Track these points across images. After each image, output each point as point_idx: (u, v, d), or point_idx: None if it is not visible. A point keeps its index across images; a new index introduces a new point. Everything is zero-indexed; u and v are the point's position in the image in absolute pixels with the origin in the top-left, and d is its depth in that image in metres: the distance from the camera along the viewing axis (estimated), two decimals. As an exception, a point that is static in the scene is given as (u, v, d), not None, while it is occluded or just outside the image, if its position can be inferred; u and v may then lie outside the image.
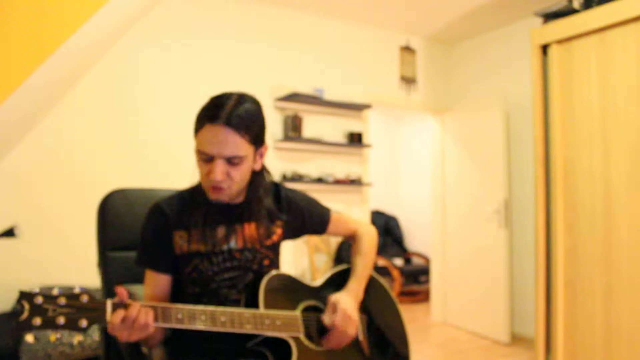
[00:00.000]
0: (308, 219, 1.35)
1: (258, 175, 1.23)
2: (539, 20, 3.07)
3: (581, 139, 2.70)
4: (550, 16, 2.89)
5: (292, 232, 1.33)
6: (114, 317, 0.93)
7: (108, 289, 1.41)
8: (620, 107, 2.52)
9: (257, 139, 1.15)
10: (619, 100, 2.52)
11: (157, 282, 1.17)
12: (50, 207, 2.96)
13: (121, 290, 0.95)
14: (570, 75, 2.76)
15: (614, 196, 2.53)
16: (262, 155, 1.20)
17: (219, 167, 1.09)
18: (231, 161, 1.10)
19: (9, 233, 2.00)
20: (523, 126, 3.86)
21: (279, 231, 1.28)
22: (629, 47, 2.47)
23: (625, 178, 2.49)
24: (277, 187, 1.32)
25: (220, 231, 1.19)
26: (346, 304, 1.20)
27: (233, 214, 1.22)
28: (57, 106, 3.00)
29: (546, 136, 2.89)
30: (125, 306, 0.94)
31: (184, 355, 1.18)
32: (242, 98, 1.13)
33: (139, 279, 1.40)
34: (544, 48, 2.90)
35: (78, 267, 2.90)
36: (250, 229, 1.23)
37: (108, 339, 1.31)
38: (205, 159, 1.10)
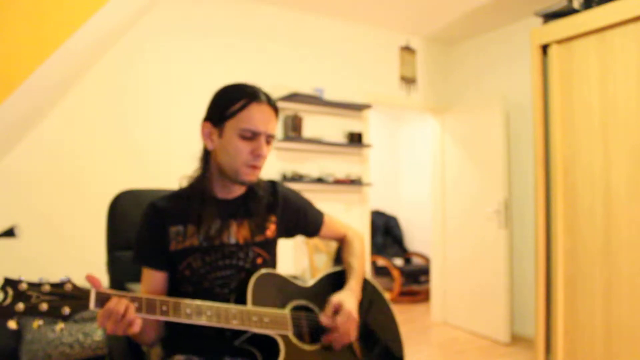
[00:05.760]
0: (302, 219, 1.36)
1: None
2: (539, 20, 3.07)
3: (581, 139, 2.70)
4: (550, 16, 2.89)
5: (285, 231, 1.33)
6: (99, 313, 0.92)
7: (115, 288, 1.42)
8: (620, 107, 2.52)
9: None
10: (619, 100, 2.52)
11: (153, 279, 1.17)
12: (51, 206, 2.95)
13: (93, 279, 0.95)
14: (570, 75, 2.76)
15: (614, 196, 2.53)
16: None
17: (265, 144, 1.16)
18: (268, 140, 1.18)
19: (9, 233, 2.00)
20: (523, 126, 3.86)
21: (272, 227, 1.28)
22: (629, 47, 2.47)
23: (625, 178, 2.49)
24: (273, 184, 1.33)
25: (215, 226, 1.19)
26: (351, 305, 1.20)
27: (229, 209, 1.22)
28: (58, 106, 3.00)
29: (546, 136, 2.89)
30: (109, 297, 0.93)
31: (175, 351, 1.18)
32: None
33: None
34: (544, 48, 2.90)
35: (78, 266, 2.89)
36: (244, 226, 1.23)
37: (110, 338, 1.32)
38: (250, 137, 1.14)
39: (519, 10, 3.77)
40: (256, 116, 1.13)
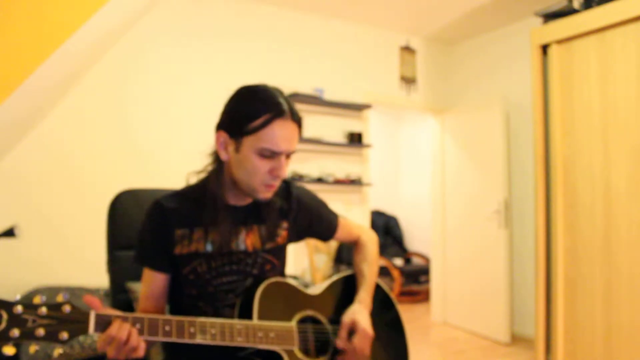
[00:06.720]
0: (316, 223, 1.30)
1: None
2: (539, 20, 3.07)
3: (581, 139, 2.70)
4: (550, 16, 2.89)
5: (297, 235, 1.28)
6: (100, 337, 0.89)
7: (116, 288, 1.43)
8: (620, 107, 2.52)
9: None
10: (619, 100, 2.52)
11: (154, 280, 1.14)
12: (51, 206, 2.95)
13: (92, 300, 0.90)
14: (570, 75, 2.76)
15: (614, 196, 2.53)
16: None
17: (286, 164, 1.08)
18: (288, 157, 1.09)
19: (9, 233, 1.99)
20: (523, 126, 3.86)
21: (283, 233, 1.23)
22: (629, 47, 2.47)
23: (625, 178, 2.49)
24: (287, 185, 1.26)
25: (224, 232, 1.13)
26: (365, 323, 1.17)
27: (240, 216, 1.17)
28: (58, 106, 3.00)
29: (546, 136, 2.89)
30: (110, 320, 0.89)
31: (178, 356, 1.16)
32: (281, 90, 1.12)
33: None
34: (544, 48, 2.90)
35: (79, 266, 2.90)
36: (254, 233, 1.18)
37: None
38: (269, 155, 1.05)
39: (519, 10, 3.77)
40: (279, 135, 1.04)
